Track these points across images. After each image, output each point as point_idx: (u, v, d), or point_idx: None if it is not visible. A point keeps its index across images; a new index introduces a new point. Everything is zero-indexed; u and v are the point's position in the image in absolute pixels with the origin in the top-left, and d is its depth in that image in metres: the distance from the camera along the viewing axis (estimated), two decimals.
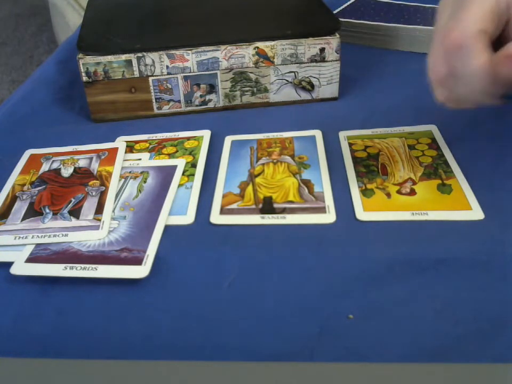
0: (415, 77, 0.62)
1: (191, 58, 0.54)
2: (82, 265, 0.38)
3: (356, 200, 0.43)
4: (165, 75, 0.55)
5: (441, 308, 0.35)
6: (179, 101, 0.57)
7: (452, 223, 0.40)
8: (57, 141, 0.53)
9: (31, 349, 0.35)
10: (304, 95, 0.58)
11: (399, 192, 0.43)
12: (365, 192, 0.43)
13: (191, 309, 0.36)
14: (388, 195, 0.43)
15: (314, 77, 0.57)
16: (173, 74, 0.55)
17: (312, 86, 0.57)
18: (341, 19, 0.59)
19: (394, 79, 0.62)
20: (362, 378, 0.32)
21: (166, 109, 0.57)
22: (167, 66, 0.55)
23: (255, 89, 0.57)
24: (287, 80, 0.57)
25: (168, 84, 0.55)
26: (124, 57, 0.54)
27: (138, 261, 0.38)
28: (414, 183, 0.44)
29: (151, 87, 0.55)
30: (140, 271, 0.37)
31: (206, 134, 0.53)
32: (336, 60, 0.56)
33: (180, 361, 0.33)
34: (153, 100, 0.56)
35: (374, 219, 0.41)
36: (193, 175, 0.47)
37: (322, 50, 0.56)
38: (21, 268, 0.38)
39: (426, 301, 0.35)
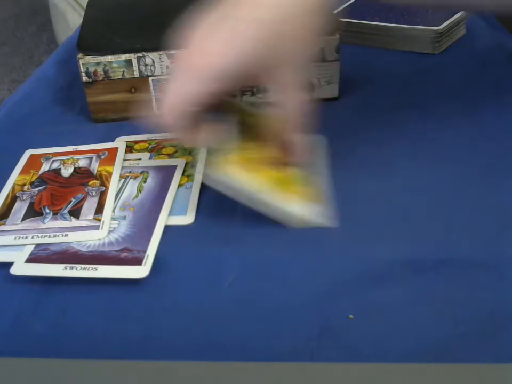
0: (415, 76, 0.62)
1: None
2: (82, 265, 0.38)
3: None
4: (165, 75, 0.55)
5: (441, 308, 0.35)
6: None
7: (454, 222, 0.40)
8: (57, 141, 0.53)
9: (31, 349, 0.35)
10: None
11: (269, 162, 0.42)
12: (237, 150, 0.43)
13: (191, 309, 0.36)
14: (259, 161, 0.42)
15: (314, 77, 0.57)
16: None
17: (312, 86, 0.57)
18: (341, 19, 0.59)
19: (394, 79, 0.62)
20: (362, 378, 0.32)
21: None
22: (167, 66, 0.55)
23: (255, 89, 0.57)
24: None
25: None
26: (123, 57, 0.54)
27: (138, 261, 0.38)
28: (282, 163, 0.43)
29: (151, 87, 0.55)
30: (139, 271, 0.37)
31: None
32: (336, 60, 0.56)
33: (180, 361, 0.33)
34: (153, 100, 0.56)
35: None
36: (193, 175, 0.47)
37: (322, 50, 0.56)
38: (21, 268, 0.38)
39: (426, 301, 0.35)
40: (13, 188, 0.47)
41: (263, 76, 0.40)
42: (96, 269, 0.38)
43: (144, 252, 0.39)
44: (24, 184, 0.47)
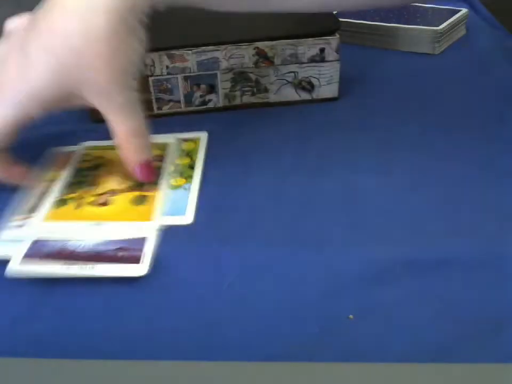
0: (415, 77, 0.62)
1: (191, 58, 0.54)
2: (79, 265, 0.38)
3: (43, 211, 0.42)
4: (165, 75, 0.55)
5: (441, 308, 0.35)
6: (179, 101, 0.57)
7: (454, 221, 0.40)
8: (57, 141, 0.53)
9: (30, 349, 0.35)
10: (304, 95, 0.58)
11: (92, 203, 0.43)
12: (58, 203, 0.43)
13: (191, 308, 0.36)
14: (79, 205, 0.43)
15: (314, 77, 0.57)
16: (173, 74, 0.55)
17: (312, 86, 0.57)
18: (341, 19, 0.59)
19: (394, 79, 0.62)
20: (362, 378, 0.32)
21: (166, 109, 0.57)
22: (167, 66, 0.55)
23: (255, 89, 0.57)
24: (287, 80, 0.57)
25: (168, 84, 0.55)
26: None
27: (135, 259, 0.38)
28: (114, 194, 0.44)
29: (151, 87, 0.55)
30: (138, 269, 0.37)
31: (203, 136, 0.52)
32: (336, 60, 0.56)
33: (180, 361, 0.33)
34: (153, 100, 0.56)
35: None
36: (191, 176, 0.47)
37: (322, 50, 0.56)
38: (16, 270, 0.38)
39: (426, 301, 0.35)
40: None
41: (81, 103, 0.42)
42: (93, 268, 0.38)
43: (141, 250, 0.39)
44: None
